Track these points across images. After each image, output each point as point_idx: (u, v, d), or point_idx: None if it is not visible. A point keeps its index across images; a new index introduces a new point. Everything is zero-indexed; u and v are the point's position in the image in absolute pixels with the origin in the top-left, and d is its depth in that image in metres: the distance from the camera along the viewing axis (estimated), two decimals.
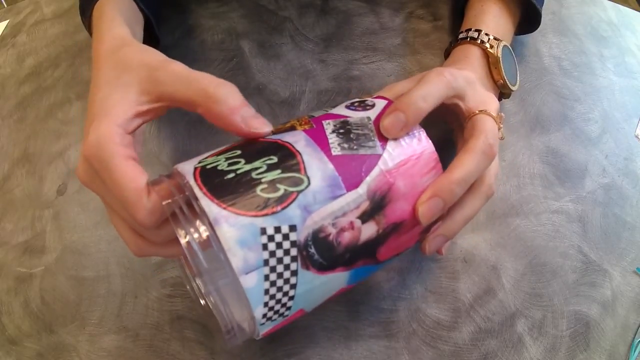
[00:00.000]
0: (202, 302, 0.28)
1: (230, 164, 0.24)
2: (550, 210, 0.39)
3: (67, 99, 0.46)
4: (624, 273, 0.37)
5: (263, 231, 0.22)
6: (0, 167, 0.43)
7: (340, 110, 0.28)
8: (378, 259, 0.27)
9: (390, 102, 0.28)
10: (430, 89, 0.28)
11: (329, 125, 0.26)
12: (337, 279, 0.26)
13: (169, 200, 0.23)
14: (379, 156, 0.25)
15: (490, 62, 0.37)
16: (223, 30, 0.49)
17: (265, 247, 0.22)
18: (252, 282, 0.22)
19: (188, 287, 0.28)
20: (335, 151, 0.25)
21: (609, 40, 0.50)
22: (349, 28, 0.48)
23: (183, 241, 0.22)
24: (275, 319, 0.25)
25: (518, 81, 0.40)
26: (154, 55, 0.27)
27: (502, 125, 0.31)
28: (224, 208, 0.22)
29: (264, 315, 0.24)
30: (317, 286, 0.25)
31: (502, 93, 0.39)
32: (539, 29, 0.43)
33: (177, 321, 0.34)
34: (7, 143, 0.44)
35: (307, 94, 0.44)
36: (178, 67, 0.26)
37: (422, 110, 0.27)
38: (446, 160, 0.28)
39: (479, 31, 0.38)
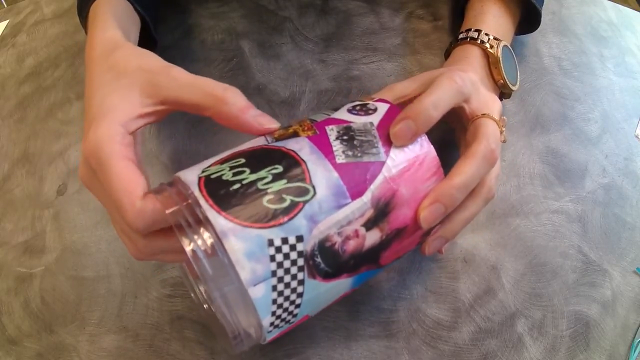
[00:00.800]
0: (206, 306, 0.28)
1: (235, 174, 0.24)
2: (550, 210, 0.39)
3: (67, 99, 0.46)
4: (624, 273, 0.37)
5: (270, 243, 0.22)
6: (0, 167, 0.43)
7: (343, 114, 0.28)
8: (380, 264, 0.27)
9: (392, 106, 0.28)
10: (442, 96, 0.28)
11: (332, 132, 0.26)
12: (342, 285, 0.26)
13: (174, 209, 0.23)
14: (383, 163, 0.25)
15: (491, 62, 0.37)
16: (223, 30, 0.49)
17: (272, 258, 0.22)
18: (260, 293, 0.22)
19: (192, 295, 0.28)
20: (340, 159, 0.25)
21: (609, 40, 0.50)
22: (349, 28, 0.48)
23: (188, 249, 0.22)
24: (281, 326, 0.25)
25: (518, 81, 0.40)
26: (153, 60, 0.28)
27: (504, 129, 0.31)
28: (231, 220, 0.22)
29: (272, 324, 0.24)
30: (322, 293, 0.25)
31: (503, 93, 0.39)
32: (539, 29, 0.43)
33: (177, 321, 0.34)
34: (7, 143, 0.44)
35: (307, 94, 0.44)
36: (180, 73, 0.27)
37: (433, 119, 0.27)
38: (446, 160, 0.28)
39: (479, 31, 0.38)
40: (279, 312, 0.24)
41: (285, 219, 0.23)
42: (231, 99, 0.26)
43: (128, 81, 0.26)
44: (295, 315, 0.25)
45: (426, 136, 0.27)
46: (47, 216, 0.40)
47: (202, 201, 0.22)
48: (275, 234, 0.22)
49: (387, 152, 0.26)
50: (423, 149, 0.27)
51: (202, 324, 0.34)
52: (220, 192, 0.23)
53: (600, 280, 0.36)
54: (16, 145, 0.44)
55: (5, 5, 1.08)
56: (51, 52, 0.50)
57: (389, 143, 0.26)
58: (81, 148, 0.26)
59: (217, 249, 0.22)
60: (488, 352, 0.33)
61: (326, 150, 0.25)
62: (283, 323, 0.25)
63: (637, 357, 0.33)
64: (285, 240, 0.23)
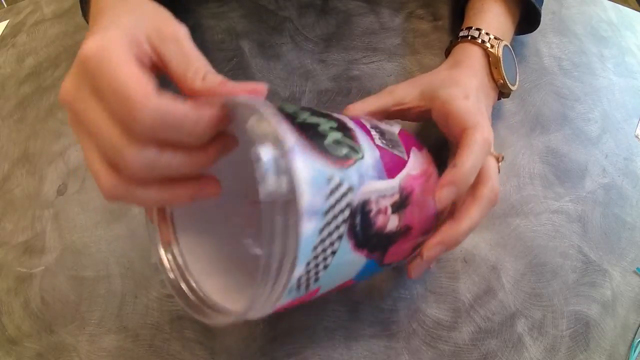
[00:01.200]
0: (172, 275, 0.27)
1: (295, 112, 0.23)
2: (550, 210, 0.39)
3: None
4: (624, 273, 0.37)
5: (330, 180, 0.21)
6: (0, 167, 0.43)
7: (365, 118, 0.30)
8: (383, 260, 0.27)
9: (402, 130, 0.31)
10: (479, 158, 0.29)
11: (366, 122, 0.28)
12: (356, 264, 0.25)
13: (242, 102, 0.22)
14: (406, 162, 0.27)
15: (491, 62, 0.37)
16: (223, 30, 0.49)
17: (328, 196, 0.21)
18: (309, 229, 0.20)
19: (156, 261, 0.26)
20: (377, 142, 0.26)
21: (609, 40, 0.50)
22: (349, 28, 0.48)
23: (258, 153, 0.19)
24: (300, 291, 0.23)
25: (517, 81, 0.40)
26: (167, 15, 0.28)
27: (500, 164, 0.33)
28: (299, 143, 0.20)
29: (298, 280, 0.22)
30: (343, 264, 0.24)
31: (502, 92, 0.39)
32: (538, 28, 0.43)
33: (177, 321, 0.34)
34: (7, 143, 0.44)
35: (307, 94, 0.44)
36: (185, 38, 0.26)
37: (471, 182, 0.29)
38: (444, 160, 0.28)
39: (479, 30, 0.38)
40: (311, 266, 0.22)
41: (342, 165, 0.22)
42: (202, 70, 0.24)
43: (139, 19, 0.25)
44: (316, 280, 0.23)
45: (432, 158, 0.31)
46: (47, 216, 0.40)
47: (269, 114, 0.20)
48: (336, 173, 0.22)
49: (407, 156, 0.28)
50: (430, 167, 0.30)
51: (202, 324, 0.34)
52: (287, 119, 0.22)
53: (600, 280, 0.36)
54: (16, 145, 0.44)
55: (5, 5, 1.08)
56: (51, 52, 0.50)
57: (407, 150, 0.28)
58: (78, 53, 0.22)
59: (281, 167, 0.19)
60: (488, 352, 0.33)
61: (366, 131, 0.27)
62: (303, 288, 0.23)
63: (637, 357, 0.33)
64: (340, 184, 0.22)
